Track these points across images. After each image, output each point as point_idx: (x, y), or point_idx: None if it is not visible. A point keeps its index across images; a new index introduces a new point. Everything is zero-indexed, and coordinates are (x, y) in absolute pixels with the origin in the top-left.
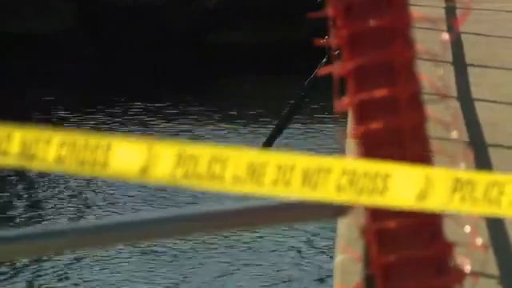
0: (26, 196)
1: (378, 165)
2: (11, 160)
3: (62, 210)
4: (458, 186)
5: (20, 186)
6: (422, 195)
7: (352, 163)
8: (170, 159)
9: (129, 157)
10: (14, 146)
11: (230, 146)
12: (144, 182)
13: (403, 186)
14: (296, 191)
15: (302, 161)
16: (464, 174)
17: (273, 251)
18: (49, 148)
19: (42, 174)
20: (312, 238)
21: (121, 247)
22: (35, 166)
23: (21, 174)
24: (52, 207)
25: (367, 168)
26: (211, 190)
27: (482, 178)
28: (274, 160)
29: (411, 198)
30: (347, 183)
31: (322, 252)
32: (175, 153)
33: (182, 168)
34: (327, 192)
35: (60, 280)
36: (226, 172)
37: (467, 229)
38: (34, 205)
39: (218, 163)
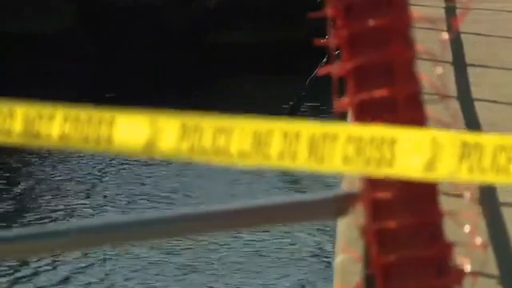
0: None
1: (384, 130)
2: (15, 139)
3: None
4: (465, 151)
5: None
6: (430, 164)
7: (358, 130)
8: (175, 132)
9: (133, 131)
10: (17, 124)
11: (234, 117)
12: (149, 156)
13: (410, 153)
14: (303, 164)
15: (308, 128)
16: (471, 137)
17: (272, 251)
18: (52, 124)
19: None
20: (312, 237)
21: (121, 247)
22: (39, 143)
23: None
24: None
25: (373, 134)
26: (217, 165)
27: (490, 142)
28: (279, 128)
29: (419, 167)
30: (354, 152)
31: (322, 252)
32: (179, 125)
33: (186, 142)
34: (334, 164)
35: (60, 280)
36: (231, 145)
37: (466, 228)
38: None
39: (222, 134)
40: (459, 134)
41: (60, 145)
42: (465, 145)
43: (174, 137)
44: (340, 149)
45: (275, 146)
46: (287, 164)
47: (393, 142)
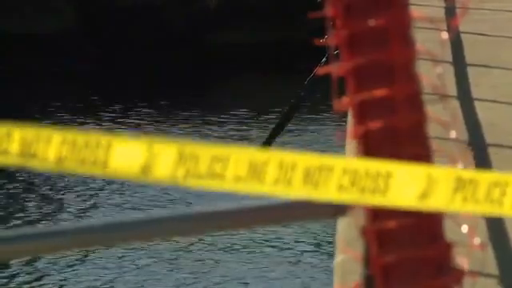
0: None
1: (380, 164)
2: (11, 159)
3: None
4: (459, 185)
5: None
6: (424, 195)
7: (353, 162)
8: (171, 158)
9: (129, 156)
10: (14, 146)
11: (230, 145)
12: (145, 181)
13: (405, 186)
14: (297, 190)
15: (304, 159)
16: (466, 173)
17: (272, 250)
18: (49, 147)
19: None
20: (312, 237)
21: (121, 247)
22: (35, 165)
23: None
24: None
25: (369, 167)
26: (212, 189)
27: (484, 178)
28: (275, 158)
29: (413, 197)
30: (349, 183)
31: (322, 252)
32: (176, 152)
33: (182, 167)
34: (329, 191)
35: (59, 280)
36: (227, 171)
37: (465, 229)
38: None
39: (219, 162)
40: (454, 170)
41: (56, 167)
42: (460, 179)
43: (169, 163)
44: (335, 179)
45: (270, 174)
46: (282, 190)
47: (388, 176)
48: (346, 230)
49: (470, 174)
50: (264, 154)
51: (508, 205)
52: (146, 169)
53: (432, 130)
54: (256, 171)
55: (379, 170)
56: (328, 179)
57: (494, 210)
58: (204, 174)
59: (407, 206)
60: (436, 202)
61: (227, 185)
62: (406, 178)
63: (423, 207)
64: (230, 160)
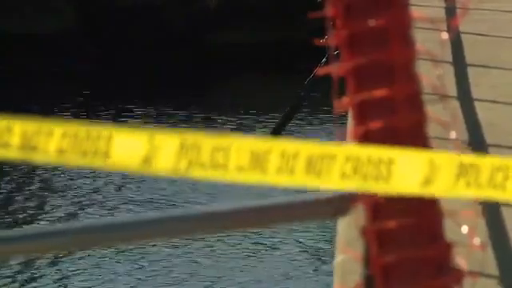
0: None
1: (382, 151)
2: (12, 152)
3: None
4: (462, 170)
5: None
6: (427, 181)
7: (355, 150)
8: (173, 149)
9: (131, 147)
10: (15, 139)
11: (232, 135)
12: (147, 172)
13: (407, 172)
14: (300, 179)
15: (306, 148)
16: (468, 158)
17: (272, 251)
18: (50, 140)
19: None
20: (312, 237)
21: (121, 247)
22: (36, 158)
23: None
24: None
25: (371, 154)
26: (215, 180)
27: (487, 163)
28: (277, 148)
29: (416, 184)
30: (351, 170)
31: (322, 251)
32: (177, 142)
33: (184, 158)
34: (331, 179)
35: (60, 280)
36: (229, 161)
37: (465, 229)
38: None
39: (220, 152)
40: (456, 156)
41: (57, 160)
42: (462, 165)
43: (171, 154)
44: (338, 167)
45: (273, 163)
46: (284, 179)
47: (390, 163)
48: (346, 230)
49: (472, 159)
50: (266, 143)
51: (511, 189)
52: (147, 160)
53: (432, 130)
54: (258, 160)
55: (381, 157)
56: (330, 167)
57: (497, 195)
58: (206, 164)
59: (410, 192)
60: (439, 188)
61: (230, 175)
62: (408, 164)
63: (426, 193)
64: (232, 149)
